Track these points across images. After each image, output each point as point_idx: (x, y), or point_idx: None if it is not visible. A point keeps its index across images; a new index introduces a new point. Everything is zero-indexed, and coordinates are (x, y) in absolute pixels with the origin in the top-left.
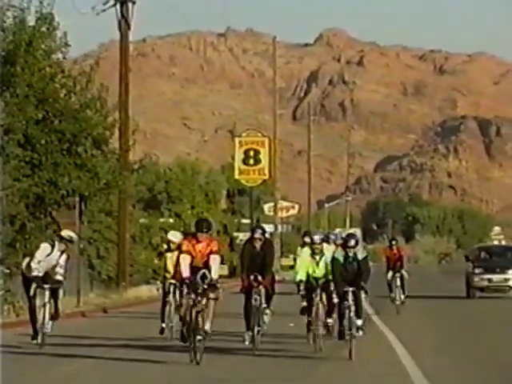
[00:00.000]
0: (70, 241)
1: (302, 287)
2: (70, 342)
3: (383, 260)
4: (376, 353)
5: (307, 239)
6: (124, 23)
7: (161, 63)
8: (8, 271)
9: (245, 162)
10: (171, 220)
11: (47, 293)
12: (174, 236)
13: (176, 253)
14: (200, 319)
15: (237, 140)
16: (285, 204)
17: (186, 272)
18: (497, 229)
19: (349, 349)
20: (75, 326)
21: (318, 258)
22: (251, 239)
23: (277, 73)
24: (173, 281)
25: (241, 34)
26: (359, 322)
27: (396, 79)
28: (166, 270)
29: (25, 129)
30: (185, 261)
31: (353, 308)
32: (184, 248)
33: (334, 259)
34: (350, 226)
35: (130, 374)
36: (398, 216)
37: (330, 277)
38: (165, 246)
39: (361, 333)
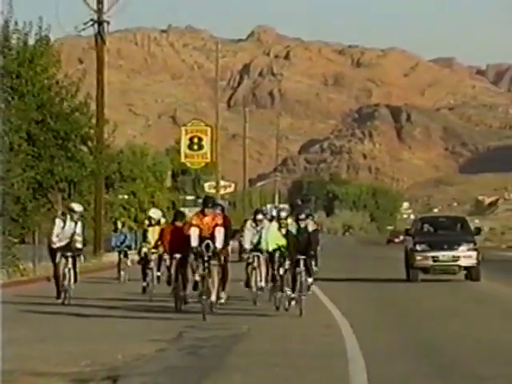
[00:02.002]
0: (73, 210)
1: (277, 255)
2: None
3: None
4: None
5: (259, 216)
6: (100, 39)
7: (109, 56)
8: (15, 240)
9: (190, 147)
10: (126, 196)
11: (70, 260)
12: (154, 213)
13: (157, 227)
14: (205, 283)
15: (183, 128)
16: (223, 183)
17: (194, 242)
18: (406, 204)
19: (299, 307)
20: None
21: (283, 231)
22: None
23: (214, 67)
24: (154, 250)
25: (181, 30)
26: (310, 280)
27: (318, 71)
28: (145, 241)
29: (28, 128)
30: (194, 232)
31: (303, 274)
32: (194, 222)
33: (288, 232)
34: (279, 202)
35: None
36: (319, 193)
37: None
38: (146, 222)
39: (310, 291)
